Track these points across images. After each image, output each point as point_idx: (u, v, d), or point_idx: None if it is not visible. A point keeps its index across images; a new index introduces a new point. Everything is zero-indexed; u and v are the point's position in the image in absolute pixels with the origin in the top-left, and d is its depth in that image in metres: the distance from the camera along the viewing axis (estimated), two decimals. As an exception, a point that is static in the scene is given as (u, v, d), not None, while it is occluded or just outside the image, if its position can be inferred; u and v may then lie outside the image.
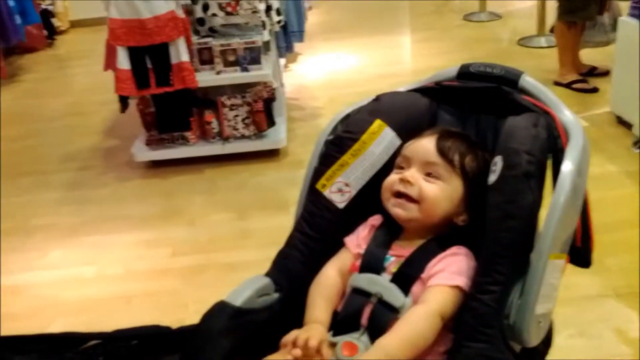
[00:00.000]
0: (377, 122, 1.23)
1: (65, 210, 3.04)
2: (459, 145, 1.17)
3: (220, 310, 1.08)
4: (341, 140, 1.24)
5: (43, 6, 5.74)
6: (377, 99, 1.28)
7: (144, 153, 3.32)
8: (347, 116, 1.28)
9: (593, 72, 3.94)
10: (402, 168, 1.18)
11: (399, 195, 1.16)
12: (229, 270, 2.37)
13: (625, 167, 2.90)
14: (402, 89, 1.33)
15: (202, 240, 2.68)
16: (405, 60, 5.05)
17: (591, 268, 1.12)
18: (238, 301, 1.10)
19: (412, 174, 1.15)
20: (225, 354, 1.05)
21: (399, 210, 1.15)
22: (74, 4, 6.27)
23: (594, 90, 3.76)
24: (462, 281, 1.07)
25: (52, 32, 6.04)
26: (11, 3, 4.79)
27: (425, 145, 1.17)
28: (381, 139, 1.22)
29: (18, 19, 4.87)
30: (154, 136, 3.31)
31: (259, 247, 2.40)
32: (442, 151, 1.15)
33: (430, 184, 1.14)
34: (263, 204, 2.89)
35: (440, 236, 1.15)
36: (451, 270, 1.08)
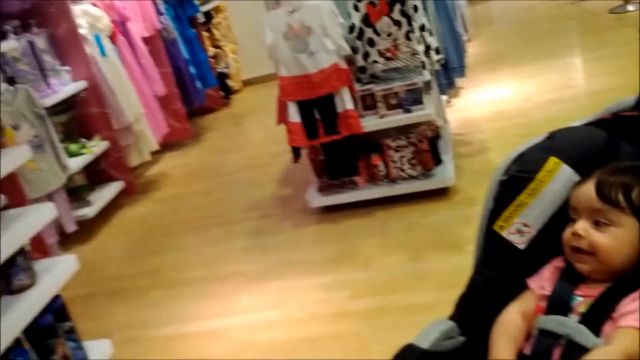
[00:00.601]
0: (553, 160, 1.21)
1: (251, 258, 3.26)
2: (621, 182, 1.11)
3: (409, 353, 1.12)
4: (516, 180, 1.23)
5: (219, 70, 6.29)
6: (551, 136, 1.26)
7: (317, 199, 3.48)
8: (520, 155, 1.26)
9: None
10: (573, 219, 1.15)
11: (575, 249, 1.13)
12: (408, 312, 2.39)
13: None
14: (576, 123, 1.30)
15: (379, 282, 2.72)
16: (577, 83, 4.75)
17: None
18: (426, 344, 1.13)
19: (582, 225, 1.12)
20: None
21: (579, 264, 1.13)
22: (245, 65, 6.82)
23: None
24: (658, 323, 1.01)
25: (228, 92, 6.59)
26: (192, 71, 5.37)
27: (586, 192, 1.13)
28: (558, 177, 1.19)
29: (199, 84, 5.46)
30: (325, 182, 3.46)
31: (436, 289, 2.40)
32: (602, 195, 1.10)
33: (601, 234, 1.10)
34: (437, 244, 2.88)
35: (630, 275, 1.10)
36: (645, 312, 1.03)
